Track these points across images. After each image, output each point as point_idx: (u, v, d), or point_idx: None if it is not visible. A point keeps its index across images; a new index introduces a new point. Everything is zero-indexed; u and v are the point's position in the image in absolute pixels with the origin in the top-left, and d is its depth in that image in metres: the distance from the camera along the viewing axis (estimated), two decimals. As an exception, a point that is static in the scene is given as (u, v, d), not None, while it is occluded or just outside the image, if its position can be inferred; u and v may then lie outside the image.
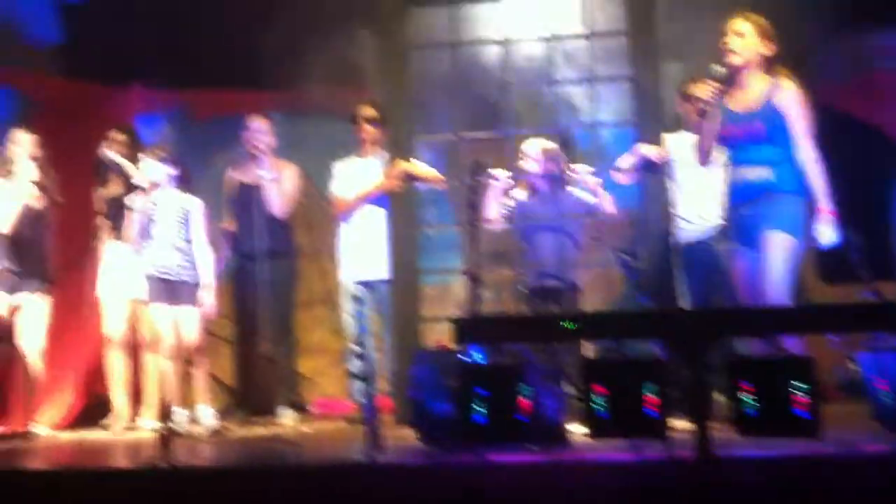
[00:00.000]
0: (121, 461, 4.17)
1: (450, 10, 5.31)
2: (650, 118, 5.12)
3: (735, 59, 4.21)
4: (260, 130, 5.56)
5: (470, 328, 3.88)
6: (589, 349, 4.61)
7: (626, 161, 5.10)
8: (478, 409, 3.64)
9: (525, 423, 3.63)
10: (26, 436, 5.04)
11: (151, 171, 5.28)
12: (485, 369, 3.85)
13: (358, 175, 5.51)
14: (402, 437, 4.12)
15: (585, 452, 3.57)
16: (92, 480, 3.60)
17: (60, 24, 6.79)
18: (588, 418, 3.58)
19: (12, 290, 5.25)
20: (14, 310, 5.26)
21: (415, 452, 3.83)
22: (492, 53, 5.45)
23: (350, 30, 5.98)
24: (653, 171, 5.03)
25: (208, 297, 5.25)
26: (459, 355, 3.90)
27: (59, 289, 5.45)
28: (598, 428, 3.54)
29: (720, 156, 4.34)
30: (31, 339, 5.32)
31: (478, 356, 3.91)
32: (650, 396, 3.45)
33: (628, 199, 5.26)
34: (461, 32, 5.33)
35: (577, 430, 3.84)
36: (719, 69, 4.17)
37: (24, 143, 5.38)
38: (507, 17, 5.36)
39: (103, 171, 5.66)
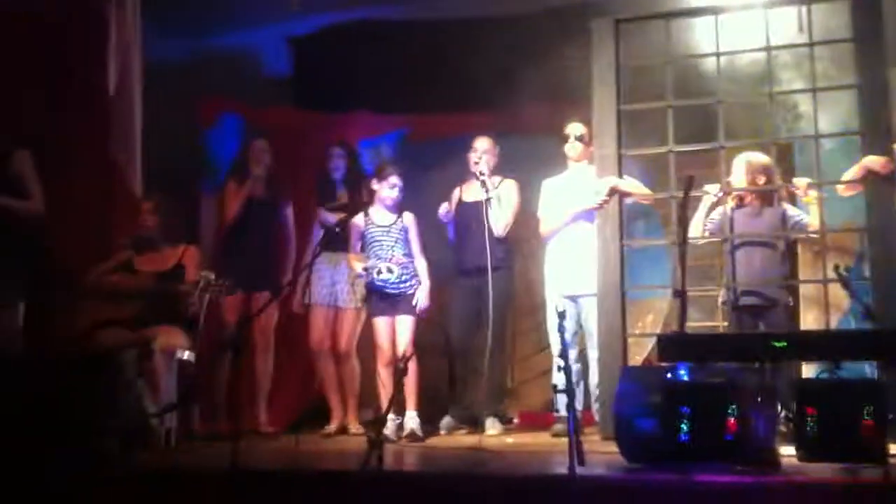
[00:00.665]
0: (332, 464, 4.36)
1: (663, 24, 5.22)
2: (877, 128, 4.81)
3: None
4: (485, 150, 5.72)
5: (676, 346, 3.81)
6: (806, 369, 4.40)
7: (851, 174, 4.84)
8: (683, 427, 3.56)
9: (732, 444, 3.51)
10: (250, 436, 5.37)
11: (382, 190, 5.56)
12: (691, 387, 3.73)
13: (566, 192, 5.54)
14: (605, 452, 4.07)
15: (796, 475, 3.40)
16: (305, 481, 3.81)
17: (289, 56, 7.28)
18: (800, 440, 3.43)
19: (245, 289, 5.61)
20: (247, 318, 5.61)
21: (618, 468, 3.77)
22: (706, 65, 5.31)
23: (561, 49, 6.04)
24: (880, 184, 4.74)
25: (423, 299, 5.46)
26: (666, 373, 3.82)
27: (284, 298, 5.80)
28: (811, 451, 3.39)
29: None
30: (261, 347, 5.72)
31: (684, 374, 3.81)
32: (867, 420, 3.27)
33: (853, 214, 4.98)
34: (674, 46, 5.22)
35: (787, 452, 3.67)
36: None
37: (254, 150, 5.81)
38: (724, 28, 5.21)
39: (325, 187, 5.98)
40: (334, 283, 5.78)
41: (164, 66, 6.22)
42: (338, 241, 5.69)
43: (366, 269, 5.46)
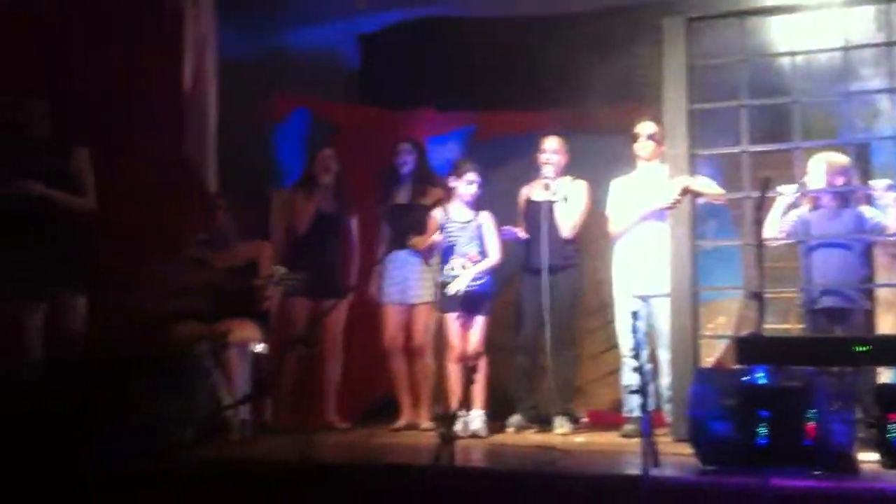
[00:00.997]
0: (403, 458, 4.39)
1: (736, 22, 5.15)
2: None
3: None
4: (554, 150, 5.70)
5: (755, 348, 3.77)
6: (885, 375, 4.31)
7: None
8: (762, 431, 3.53)
9: (811, 448, 3.47)
10: (322, 430, 5.39)
11: (460, 186, 5.59)
12: (769, 391, 3.70)
13: (636, 191, 5.50)
14: (677, 454, 4.04)
15: (876, 482, 3.35)
16: (376, 475, 3.84)
17: (357, 52, 7.33)
18: (881, 447, 3.37)
19: (313, 297, 5.65)
20: (315, 315, 5.67)
21: (692, 470, 3.75)
22: (781, 65, 5.23)
23: (631, 47, 5.99)
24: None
25: (460, 283, 5.43)
26: (741, 375, 3.79)
27: (353, 294, 5.79)
28: (893, 457, 3.33)
29: None
30: (329, 350, 5.76)
31: (761, 377, 3.77)
32: (953, 427, 3.20)
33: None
34: (748, 45, 5.15)
35: (868, 458, 3.61)
36: None
37: (322, 159, 5.84)
38: (799, 27, 5.12)
39: (389, 183, 6.00)
40: (405, 280, 5.80)
41: (235, 62, 6.30)
42: (404, 236, 5.73)
43: (442, 229, 5.51)
